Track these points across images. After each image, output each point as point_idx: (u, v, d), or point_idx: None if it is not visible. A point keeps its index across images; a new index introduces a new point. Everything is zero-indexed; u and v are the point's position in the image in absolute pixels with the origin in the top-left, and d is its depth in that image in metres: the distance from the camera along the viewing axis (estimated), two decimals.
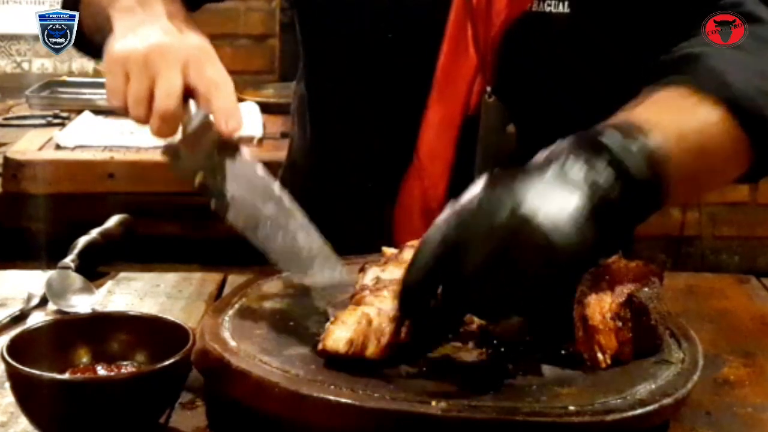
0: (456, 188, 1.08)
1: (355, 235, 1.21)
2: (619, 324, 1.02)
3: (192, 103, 1.11)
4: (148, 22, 1.15)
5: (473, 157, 1.35)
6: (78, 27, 1.34)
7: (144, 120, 1.12)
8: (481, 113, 1.34)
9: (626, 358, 1.03)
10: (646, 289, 1.05)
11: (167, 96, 1.09)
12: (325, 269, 1.13)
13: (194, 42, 1.15)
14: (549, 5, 1.31)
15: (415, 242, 1.14)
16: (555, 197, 0.94)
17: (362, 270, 1.12)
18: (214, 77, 1.11)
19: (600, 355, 1.01)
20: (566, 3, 1.31)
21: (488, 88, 1.34)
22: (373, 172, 1.43)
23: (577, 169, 0.97)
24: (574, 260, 0.95)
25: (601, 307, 1.03)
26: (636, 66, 1.33)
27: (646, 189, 1.01)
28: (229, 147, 1.12)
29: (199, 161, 1.12)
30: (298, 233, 1.12)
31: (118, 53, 1.12)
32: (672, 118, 1.10)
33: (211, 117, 1.11)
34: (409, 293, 0.97)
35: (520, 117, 1.34)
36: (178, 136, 1.13)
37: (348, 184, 1.45)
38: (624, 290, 1.04)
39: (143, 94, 1.10)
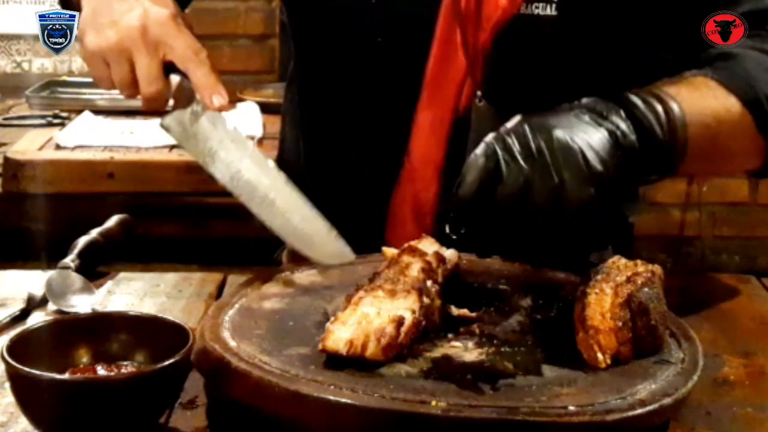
0: (447, 190, 1.17)
1: (348, 236, 1.21)
2: (619, 324, 1.02)
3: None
4: (113, 2, 1.16)
5: (463, 160, 1.35)
6: None
7: (136, 97, 1.17)
8: (471, 116, 1.35)
9: (626, 357, 1.03)
10: (646, 290, 1.05)
11: (147, 82, 1.14)
12: (327, 244, 1.15)
13: (158, 14, 1.15)
14: (537, 8, 1.31)
15: (415, 243, 1.15)
16: (584, 129, 1.07)
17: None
18: (186, 50, 1.14)
19: (600, 355, 1.01)
20: (553, 6, 1.31)
21: (478, 92, 1.34)
22: (365, 174, 1.43)
23: (600, 113, 1.10)
24: (602, 188, 1.05)
25: (601, 307, 1.03)
26: (624, 67, 1.34)
27: (661, 147, 1.11)
28: (217, 116, 1.17)
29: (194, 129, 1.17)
30: (296, 214, 1.16)
31: (92, 46, 1.16)
32: (696, 97, 1.18)
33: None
34: (460, 207, 1.04)
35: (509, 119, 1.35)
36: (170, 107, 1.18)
37: (340, 186, 1.46)
38: (624, 290, 1.04)
39: (127, 79, 1.15)
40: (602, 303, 1.03)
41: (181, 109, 1.16)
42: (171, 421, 1.01)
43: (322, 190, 1.22)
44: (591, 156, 1.06)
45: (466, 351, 1.05)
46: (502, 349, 1.05)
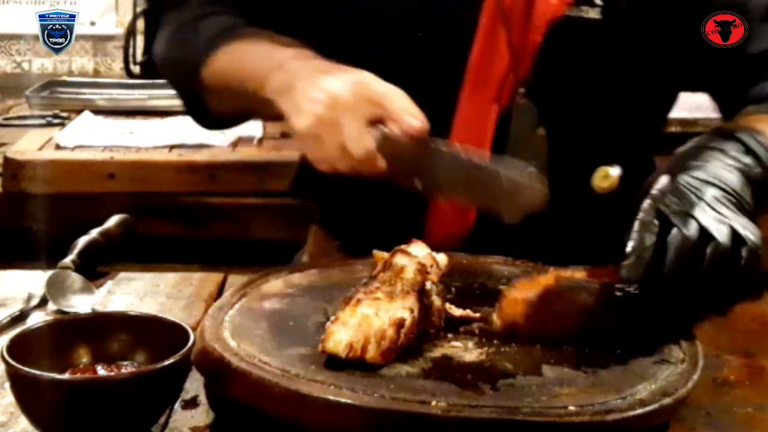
0: None
1: (388, 229, 1.21)
2: (526, 297, 1.07)
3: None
4: (308, 88, 1.18)
5: (504, 155, 1.36)
6: (204, 109, 1.46)
7: (352, 170, 1.18)
8: (512, 113, 1.35)
9: (523, 331, 1.07)
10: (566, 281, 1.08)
11: (358, 149, 1.14)
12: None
13: (352, 78, 1.18)
14: (582, 10, 1.32)
15: (405, 247, 1.15)
16: (721, 171, 1.10)
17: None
18: (381, 92, 1.16)
19: (494, 318, 1.08)
20: (598, 9, 1.31)
21: (521, 90, 1.34)
22: None
23: (723, 151, 1.13)
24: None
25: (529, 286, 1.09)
26: (665, 74, 1.35)
27: None
28: (422, 143, 1.15)
29: (409, 171, 1.17)
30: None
31: (303, 129, 1.17)
32: None
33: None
34: (641, 274, 1.04)
35: (551, 119, 1.35)
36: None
37: (379, 183, 1.45)
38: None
39: (340, 153, 1.16)
40: (533, 281, 1.10)
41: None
42: (171, 421, 1.01)
43: (361, 183, 1.21)
44: (746, 196, 1.11)
45: (466, 351, 1.05)
46: (502, 349, 1.06)
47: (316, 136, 1.16)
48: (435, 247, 1.15)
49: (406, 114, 1.14)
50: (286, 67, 1.24)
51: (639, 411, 0.94)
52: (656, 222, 1.06)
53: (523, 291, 1.09)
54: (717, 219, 1.05)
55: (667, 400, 0.96)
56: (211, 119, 1.49)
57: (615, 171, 1.22)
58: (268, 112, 1.26)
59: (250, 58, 1.32)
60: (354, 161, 1.15)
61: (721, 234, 1.04)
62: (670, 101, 1.48)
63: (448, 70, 1.36)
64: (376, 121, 1.15)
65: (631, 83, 1.37)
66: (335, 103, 1.14)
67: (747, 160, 1.14)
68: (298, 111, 1.18)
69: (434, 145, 1.15)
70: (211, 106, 1.44)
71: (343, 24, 1.45)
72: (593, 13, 1.33)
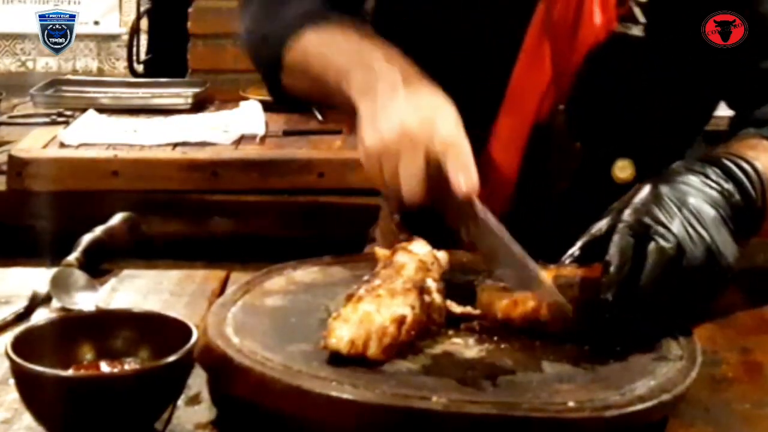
0: (521, 200, 1.33)
1: (424, 236, 1.22)
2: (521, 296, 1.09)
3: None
4: (387, 102, 1.20)
5: (538, 169, 1.37)
6: (280, 86, 1.44)
7: (400, 197, 1.19)
8: (549, 127, 1.36)
9: (520, 324, 1.08)
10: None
11: (409, 182, 1.15)
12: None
13: (426, 114, 1.18)
14: (626, 27, 1.32)
15: (407, 245, 1.15)
16: (703, 192, 1.13)
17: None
18: (446, 140, 1.16)
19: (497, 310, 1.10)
20: (641, 27, 1.31)
21: (560, 106, 1.35)
22: None
23: (706, 175, 1.15)
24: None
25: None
26: (705, 90, 1.35)
27: (754, 208, 1.17)
28: (467, 201, 1.16)
29: (457, 217, 1.17)
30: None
31: (370, 148, 1.18)
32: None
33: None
34: (617, 288, 1.06)
35: (588, 135, 1.36)
36: None
37: None
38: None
39: (394, 180, 1.17)
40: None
41: None
42: (174, 418, 1.02)
43: None
44: (725, 215, 1.13)
45: (466, 347, 1.06)
46: (503, 346, 1.06)
47: (377, 157, 1.18)
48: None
49: (461, 172, 1.15)
50: (371, 66, 1.25)
51: (638, 407, 0.95)
52: (634, 234, 1.08)
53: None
54: (696, 234, 1.08)
55: (665, 397, 0.97)
56: (285, 96, 1.49)
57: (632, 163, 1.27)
58: (342, 103, 1.28)
59: (335, 47, 1.33)
60: (403, 191, 1.17)
61: (697, 250, 1.08)
62: (708, 114, 1.48)
63: (490, 83, 1.37)
64: (436, 160, 1.16)
65: (671, 98, 1.37)
66: (402, 137, 1.15)
67: (728, 186, 1.15)
68: (370, 125, 1.19)
69: (479, 212, 1.15)
70: (286, 84, 1.45)
71: (388, 30, 1.45)
72: (636, 30, 1.32)
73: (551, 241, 1.14)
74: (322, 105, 1.46)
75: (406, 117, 1.17)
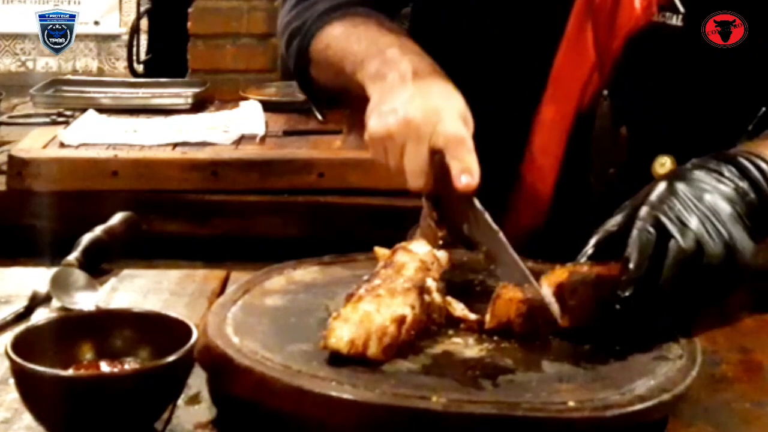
0: (564, 186, 1.33)
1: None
2: (519, 296, 1.09)
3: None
4: (396, 91, 1.23)
5: (582, 156, 1.37)
6: (310, 80, 1.48)
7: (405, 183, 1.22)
8: (594, 113, 1.36)
9: (519, 329, 1.08)
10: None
11: (412, 171, 1.19)
12: None
13: (432, 105, 1.20)
14: (665, 17, 1.31)
15: (407, 245, 1.15)
16: (718, 189, 1.12)
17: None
18: (449, 135, 1.18)
19: (488, 317, 1.09)
20: (680, 17, 1.31)
21: (605, 92, 1.34)
22: (484, 166, 1.42)
23: (720, 173, 1.14)
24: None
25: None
26: (743, 87, 1.35)
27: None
28: (467, 198, 1.18)
29: (459, 212, 1.19)
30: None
31: (374, 133, 1.22)
32: None
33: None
34: (637, 283, 1.06)
35: (632, 120, 1.36)
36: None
37: None
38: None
39: (399, 167, 1.20)
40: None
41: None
42: (174, 417, 1.02)
43: None
44: (741, 212, 1.12)
45: (466, 347, 1.06)
46: (502, 345, 1.06)
47: (381, 143, 1.20)
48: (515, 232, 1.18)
49: (461, 167, 1.16)
50: (385, 54, 1.28)
51: (638, 406, 0.95)
52: (653, 231, 1.08)
53: (516, 290, 1.10)
54: (714, 231, 1.08)
55: (665, 396, 0.97)
56: (314, 90, 1.52)
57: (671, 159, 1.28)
58: (356, 93, 1.31)
59: (355, 37, 1.36)
60: (407, 179, 1.19)
61: (717, 247, 1.07)
62: (751, 113, 1.47)
63: (533, 69, 1.37)
64: (440, 151, 1.18)
65: (711, 92, 1.36)
66: (406, 127, 1.18)
67: (743, 184, 1.15)
68: (376, 111, 1.22)
69: (477, 209, 1.17)
70: (314, 77, 1.48)
71: (430, 20, 1.46)
72: (676, 20, 1.32)
73: (586, 237, 1.14)
74: (343, 99, 1.47)
75: (411, 107, 1.19)
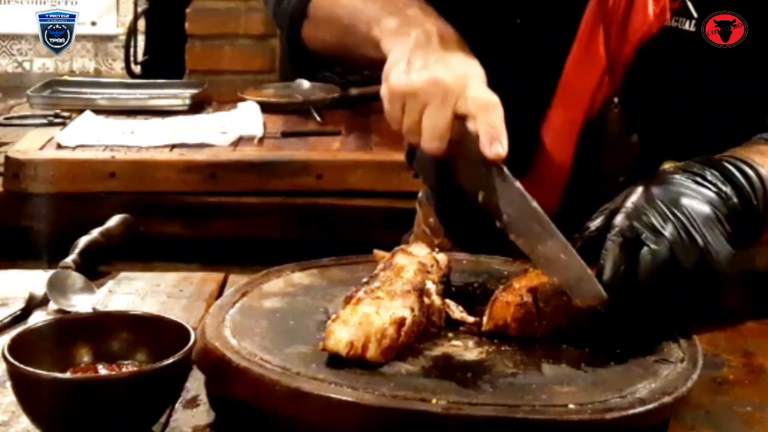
0: (572, 194, 1.31)
1: (473, 231, 1.21)
2: (517, 300, 1.08)
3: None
4: (419, 49, 1.19)
5: (591, 163, 1.36)
6: (298, 33, 1.42)
7: (417, 143, 1.18)
8: (604, 120, 1.35)
9: (514, 332, 1.07)
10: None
11: (431, 132, 1.14)
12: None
13: (461, 70, 1.17)
14: (678, 22, 1.31)
15: (406, 247, 1.15)
16: (699, 193, 1.11)
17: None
18: (480, 100, 1.14)
19: (485, 319, 1.08)
20: (692, 22, 1.30)
21: (615, 99, 1.34)
22: None
23: (703, 176, 1.13)
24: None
25: (516, 284, 1.10)
26: (751, 91, 1.34)
27: (755, 213, 1.14)
28: (495, 166, 1.13)
29: (475, 179, 1.15)
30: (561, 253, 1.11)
31: (395, 87, 1.17)
32: None
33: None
34: (613, 291, 1.05)
35: (643, 127, 1.35)
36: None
37: None
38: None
39: (415, 127, 1.15)
40: (519, 281, 1.11)
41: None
42: (172, 420, 1.02)
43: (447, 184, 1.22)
44: (721, 216, 1.11)
45: (466, 350, 1.05)
46: (502, 348, 1.06)
47: (402, 100, 1.16)
48: None
49: (492, 134, 1.12)
50: (405, 13, 1.25)
51: (639, 409, 0.94)
52: (627, 238, 1.07)
53: (514, 293, 1.09)
54: (688, 238, 1.07)
55: (666, 399, 0.97)
56: (303, 49, 1.46)
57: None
58: (365, 53, 1.27)
59: None
60: (422, 140, 1.15)
61: (690, 255, 1.06)
62: (762, 120, 1.46)
63: (543, 74, 1.35)
64: (463, 116, 1.14)
65: (723, 98, 1.35)
66: (435, 86, 1.14)
67: (726, 188, 1.13)
68: (399, 66, 1.17)
69: (507, 177, 1.13)
70: (307, 35, 1.43)
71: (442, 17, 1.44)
72: (689, 26, 1.30)
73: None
74: (341, 59, 1.42)
75: (440, 67, 1.16)
